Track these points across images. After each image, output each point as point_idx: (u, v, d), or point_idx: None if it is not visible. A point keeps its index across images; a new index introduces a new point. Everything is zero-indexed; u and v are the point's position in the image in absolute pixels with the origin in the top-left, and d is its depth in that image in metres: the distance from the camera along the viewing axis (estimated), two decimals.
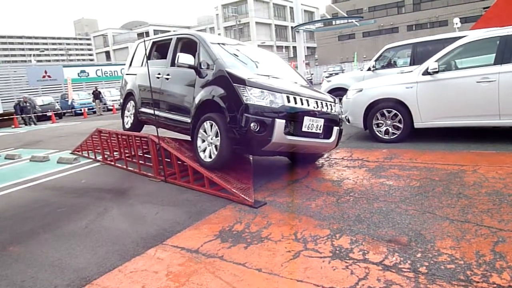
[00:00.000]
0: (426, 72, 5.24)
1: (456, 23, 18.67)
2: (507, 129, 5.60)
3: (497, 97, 4.70)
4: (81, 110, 22.26)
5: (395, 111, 5.56)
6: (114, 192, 4.55)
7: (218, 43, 4.80)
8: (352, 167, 4.64)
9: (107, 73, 30.65)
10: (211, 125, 4.17)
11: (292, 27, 33.35)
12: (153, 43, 5.97)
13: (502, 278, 2.03)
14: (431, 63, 5.20)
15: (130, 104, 6.31)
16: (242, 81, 3.85)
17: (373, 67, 8.31)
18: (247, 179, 4.17)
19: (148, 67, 4.93)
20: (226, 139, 3.94)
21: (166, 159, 4.82)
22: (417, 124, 5.41)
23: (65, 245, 3.04)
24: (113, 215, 3.69)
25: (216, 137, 4.10)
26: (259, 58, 5.06)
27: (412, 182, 3.78)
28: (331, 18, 32.83)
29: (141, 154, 5.57)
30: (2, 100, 22.85)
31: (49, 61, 77.11)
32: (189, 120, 4.61)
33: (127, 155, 5.64)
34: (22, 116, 19.00)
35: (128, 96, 6.35)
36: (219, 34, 54.03)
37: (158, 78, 5.28)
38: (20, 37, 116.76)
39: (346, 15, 28.05)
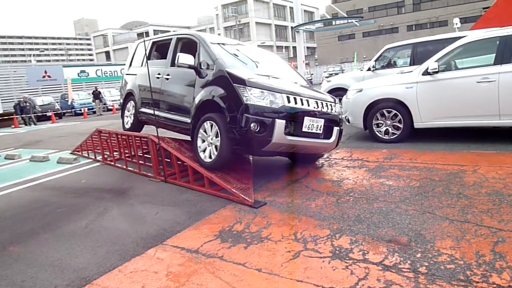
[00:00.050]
0: (426, 72, 5.24)
1: (456, 23, 18.66)
2: (507, 129, 5.60)
3: (497, 97, 4.70)
4: (81, 110, 22.25)
5: (395, 111, 5.56)
6: (114, 192, 4.55)
7: (218, 43, 4.80)
8: (352, 167, 4.65)
9: (107, 73, 30.65)
10: (211, 126, 4.17)
11: (292, 27, 33.35)
12: (153, 43, 5.97)
13: (502, 278, 2.03)
14: (431, 63, 5.20)
15: (130, 104, 6.31)
16: (242, 81, 3.85)
17: (373, 67, 8.32)
18: (247, 179, 4.17)
19: (148, 67, 4.93)
20: (226, 139, 3.94)
21: (166, 159, 4.83)
22: (417, 124, 5.41)
23: (65, 245, 3.04)
24: (113, 215, 3.69)
25: (216, 137, 4.10)
26: (259, 58, 5.06)
27: (412, 182, 3.78)
28: (331, 18, 32.84)
29: (141, 154, 5.57)
30: (2, 100, 22.85)
31: (49, 61, 77.15)
32: (189, 120, 4.61)
33: (127, 155, 5.64)
34: (22, 116, 19.00)
35: (128, 96, 6.35)
36: (219, 34, 54.03)
37: (158, 78, 5.28)
38: (20, 37, 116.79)
39: (346, 15, 28.05)
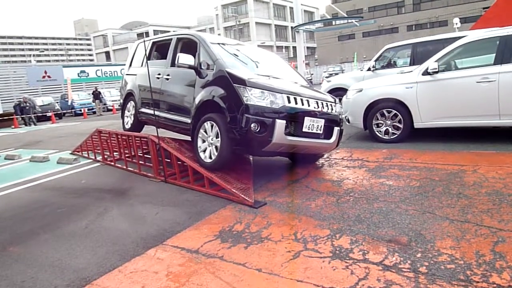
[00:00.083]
0: (426, 72, 5.24)
1: (456, 23, 18.66)
2: (507, 129, 5.60)
3: (497, 97, 4.70)
4: (81, 110, 22.25)
5: (395, 111, 5.56)
6: (114, 192, 4.55)
7: (218, 43, 4.80)
8: (352, 167, 4.65)
9: (107, 73, 30.64)
10: (212, 126, 4.17)
11: (292, 27, 33.36)
12: (153, 43, 5.97)
13: (502, 278, 2.03)
14: (431, 63, 5.20)
15: (130, 105, 6.31)
16: (242, 82, 3.85)
17: (373, 67, 8.32)
18: (247, 179, 4.17)
19: (148, 67, 4.93)
20: (227, 139, 3.94)
21: (166, 159, 4.82)
22: (417, 124, 5.41)
23: (65, 246, 3.04)
24: (113, 216, 3.69)
25: (216, 137, 4.10)
26: (259, 58, 5.06)
27: (412, 182, 3.78)
28: (331, 18, 32.84)
29: (141, 155, 5.57)
30: (2, 100, 22.85)
31: (49, 61, 77.16)
32: (189, 121, 4.61)
33: (127, 155, 5.64)
34: (22, 116, 19.00)
35: (128, 96, 6.35)
36: (219, 34, 54.04)
37: (158, 78, 5.28)
38: (20, 37, 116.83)
39: (346, 15, 28.06)
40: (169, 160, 4.85)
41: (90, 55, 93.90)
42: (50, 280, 2.50)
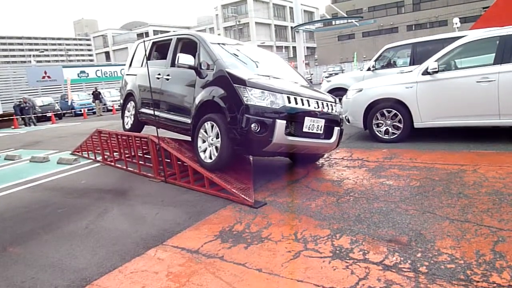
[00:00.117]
0: (425, 72, 5.24)
1: (456, 23, 18.65)
2: (507, 129, 5.60)
3: (496, 97, 4.71)
4: (81, 110, 22.25)
5: (395, 111, 5.56)
6: (114, 192, 4.55)
7: (218, 43, 4.80)
8: (352, 167, 4.65)
9: (106, 74, 30.63)
10: (212, 126, 4.17)
11: (292, 27, 33.37)
12: (153, 43, 5.97)
13: (502, 277, 2.03)
14: (430, 63, 5.20)
15: (130, 105, 6.31)
16: (242, 82, 3.85)
17: (373, 67, 8.32)
18: (247, 179, 4.18)
19: (148, 67, 4.93)
20: (227, 139, 3.94)
21: (166, 160, 4.83)
22: (417, 124, 5.41)
23: (65, 246, 3.04)
24: (113, 216, 3.69)
25: (217, 138, 4.09)
26: (259, 58, 5.06)
27: (412, 182, 3.78)
28: (331, 18, 32.85)
29: (141, 155, 5.57)
30: (2, 100, 22.85)
31: (48, 61, 77.12)
32: (189, 121, 4.61)
33: (127, 155, 5.64)
34: (22, 116, 19.00)
35: (128, 96, 6.35)
36: (218, 34, 54.04)
37: (158, 78, 5.28)
38: (20, 38, 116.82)
39: (346, 15, 28.08)
40: (169, 160, 4.85)
41: (90, 55, 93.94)
42: (50, 280, 2.50)
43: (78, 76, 28.28)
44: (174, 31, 6.61)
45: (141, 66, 5.91)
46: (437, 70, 5.12)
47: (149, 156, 5.19)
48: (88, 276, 2.51)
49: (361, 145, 5.79)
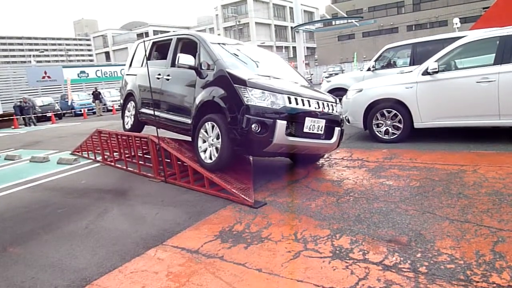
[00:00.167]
0: (425, 72, 5.24)
1: (456, 23, 18.67)
2: (507, 129, 5.60)
3: (496, 97, 4.71)
4: (81, 110, 22.25)
5: (395, 111, 5.56)
6: (114, 192, 4.55)
7: (219, 43, 4.80)
8: (352, 167, 4.65)
9: (106, 74, 30.62)
10: (213, 127, 4.16)
11: (292, 27, 33.38)
12: (153, 43, 5.97)
13: (502, 278, 2.04)
14: (430, 63, 5.20)
15: (131, 105, 6.31)
16: (242, 82, 3.85)
17: (373, 67, 8.32)
18: (247, 179, 4.18)
19: (148, 67, 4.93)
20: (227, 140, 3.94)
21: (166, 160, 4.83)
22: (417, 124, 5.41)
23: (65, 246, 3.04)
24: (113, 216, 3.69)
25: (217, 139, 4.09)
26: (260, 58, 5.06)
27: (412, 182, 3.79)
28: (331, 19, 32.82)
29: (141, 155, 5.57)
30: (2, 100, 22.85)
31: (48, 61, 77.19)
32: (189, 121, 4.61)
33: (127, 155, 5.64)
34: (22, 116, 19.00)
35: (128, 96, 6.35)
36: (218, 34, 54.04)
37: (158, 78, 5.28)
38: (20, 38, 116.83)
39: (346, 15, 28.08)
40: (169, 160, 4.85)
41: (90, 55, 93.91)
42: (50, 280, 2.51)
43: (78, 76, 28.27)
44: (174, 31, 6.61)
45: (141, 66, 5.91)
46: (437, 70, 5.12)
47: (149, 156, 5.19)
48: (88, 276, 2.51)
49: (361, 145, 5.79)
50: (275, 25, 59.49)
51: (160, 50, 5.90)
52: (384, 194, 3.52)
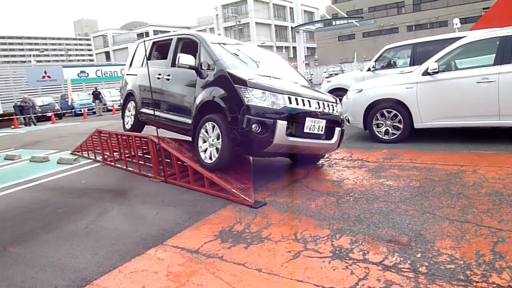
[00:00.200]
0: (426, 73, 5.24)
1: (456, 24, 18.69)
2: (507, 129, 5.60)
3: (497, 97, 4.71)
4: (81, 110, 22.25)
5: (395, 112, 5.56)
6: (114, 192, 4.55)
7: (219, 43, 4.80)
8: (352, 167, 4.65)
9: (106, 74, 30.64)
10: (213, 127, 4.16)
11: (292, 27, 33.39)
12: (153, 43, 5.97)
13: (501, 278, 2.04)
14: (431, 64, 5.20)
15: (131, 105, 6.31)
16: (243, 82, 3.85)
17: (373, 67, 8.32)
18: (247, 179, 4.18)
19: (148, 67, 4.93)
20: (227, 140, 3.94)
21: (166, 160, 4.83)
22: (417, 125, 5.41)
23: (65, 246, 3.04)
24: (113, 216, 3.70)
25: (217, 139, 4.09)
26: (260, 58, 5.06)
27: (412, 182, 3.79)
28: (331, 19, 32.86)
29: (141, 155, 5.57)
30: (2, 100, 22.85)
31: (48, 61, 77.09)
32: (189, 121, 4.61)
33: (127, 155, 5.64)
34: (22, 116, 19.00)
35: (129, 96, 6.35)
36: (219, 34, 54.03)
37: (158, 78, 5.28)
38: (20, 38, 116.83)
39: (346, 16, 28.08)
40: (169, 160, 4.85)
41: (90, 55, 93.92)
42: (50, 280, 2.51)
43: (78, 76, 28.28)
44: (174, 31, 6.61)
45: (142, 66, 5.91)
46: (437, 70, 5.12)
47: (149, 156, 5.19)
48: (88, 276, 2.51)
49: (361, 146, 5.79)
50: (275, 25, 59.50)
51: (160, 50, 5.90)
52: (384, 194, 3.52)
